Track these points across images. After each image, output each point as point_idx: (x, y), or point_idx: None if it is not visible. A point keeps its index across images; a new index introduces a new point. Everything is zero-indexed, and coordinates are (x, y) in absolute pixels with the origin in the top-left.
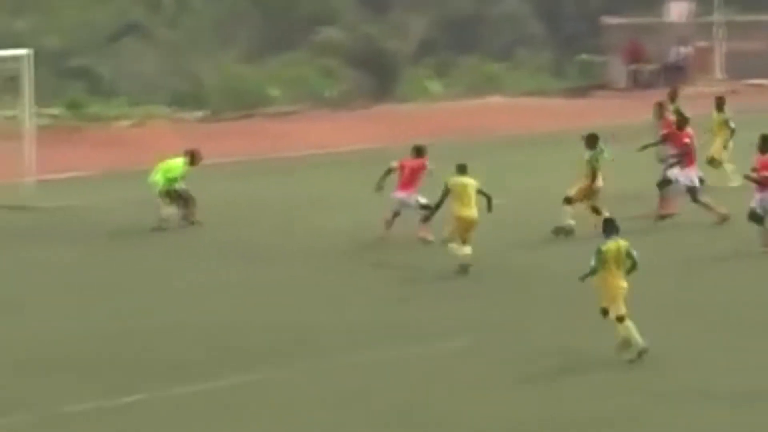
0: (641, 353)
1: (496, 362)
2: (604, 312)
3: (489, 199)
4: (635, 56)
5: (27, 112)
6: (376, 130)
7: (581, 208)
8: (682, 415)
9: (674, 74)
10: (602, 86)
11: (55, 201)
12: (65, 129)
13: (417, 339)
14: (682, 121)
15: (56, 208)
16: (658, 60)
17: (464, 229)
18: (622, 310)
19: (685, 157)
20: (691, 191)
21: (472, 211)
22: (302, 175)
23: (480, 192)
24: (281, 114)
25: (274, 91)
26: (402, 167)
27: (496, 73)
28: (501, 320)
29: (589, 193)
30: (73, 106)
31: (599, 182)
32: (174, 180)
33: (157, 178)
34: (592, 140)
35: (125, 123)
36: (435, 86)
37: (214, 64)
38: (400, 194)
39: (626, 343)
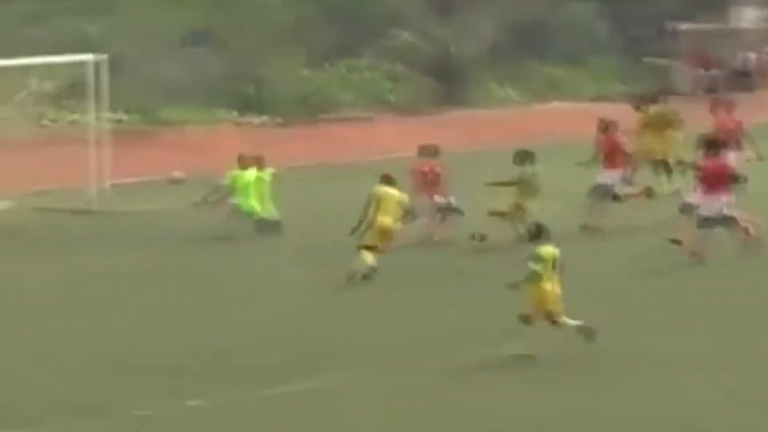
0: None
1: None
2: (526, 320)
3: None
4: (701, 62)
5: (98, 117)
6: (443, 135)
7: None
8: None
9: (740, 80)
10: (667, 91)
11: (124, 205)
12: (135, 133)
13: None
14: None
15: (126, 213)
16: (724, 66)
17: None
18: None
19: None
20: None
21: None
22: (369, 179)
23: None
24: (348, 119)
25: (342, 96)
26: (423, 171)
27: (562, 77)
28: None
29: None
30: (142, 110)
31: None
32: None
33: (252, 202)
34: (522, 156)
35: (194, 128)
36: (502, 91)
37: (282, 69)
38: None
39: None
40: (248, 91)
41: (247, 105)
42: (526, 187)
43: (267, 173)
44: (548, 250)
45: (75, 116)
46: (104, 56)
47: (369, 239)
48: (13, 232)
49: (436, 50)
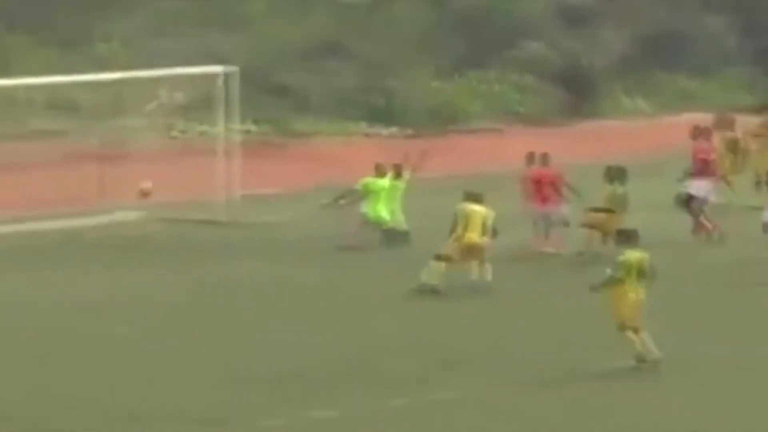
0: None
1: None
2: (622, 327)
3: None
4: None
5: (227, 128)
6: (573, 146)
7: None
8: None
9: None
10: None
11: (255, 217)
12: (266, 145)
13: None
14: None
15: (254, 224)
16: None
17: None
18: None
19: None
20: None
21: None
22: (497, 192)
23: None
24: (478, 130)
25: (471, 108)
26: (532, 180)
27: (692, 89)
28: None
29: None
30: (273, 122)
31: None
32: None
33: (382, 211)
34: (613, 174)
35: (324, 139)
36: (632, 103)
37: (412, 81)
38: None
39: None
40: (379, 102)
41: (378, 116)
42: (615, 206)
43: (403, 182)
44: (632, 256)
45: (204, 127)
46: (234, 68)
47: (449, 249)
48: (142, 242)
49: (566, 61)
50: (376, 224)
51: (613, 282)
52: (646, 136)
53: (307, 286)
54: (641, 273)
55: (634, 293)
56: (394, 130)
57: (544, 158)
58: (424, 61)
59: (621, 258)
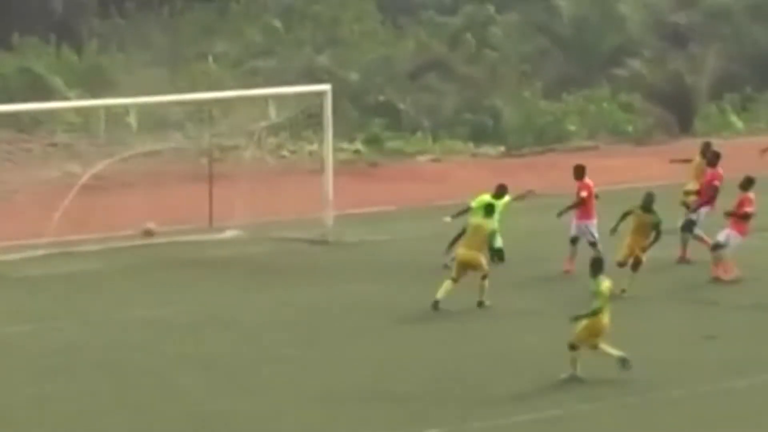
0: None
1: None
2: (573, 347)
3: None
4: None
5: (335, 148)
6: (674, 165)
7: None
8: None
9: None
10: None
11: (354, 236)
12: (365, 164)
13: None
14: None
15: (356, 243)
16: None
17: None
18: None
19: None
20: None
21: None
22: (600, 210)
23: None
24: (580, 149)
25: (578, 127)
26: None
27: None
28: None
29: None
30: (372, 141)
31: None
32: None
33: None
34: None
35: (424, 158)
36: (735, 122)
37: (513, 100)
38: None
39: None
40: (483, 121)
41: (482, 136)
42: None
43: (503, 202)
44: (605, 284)
45: (312, 147)
46: (338, 87)
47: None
48: (246, 261)
49: (670, 80)
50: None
51: (596, 313)
52: (745, 155)
53: (408, 304)
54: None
55: (606, 318)
56: (501, 149)
57: (579, 171)
58: (528, 80)
59: (601, 287)
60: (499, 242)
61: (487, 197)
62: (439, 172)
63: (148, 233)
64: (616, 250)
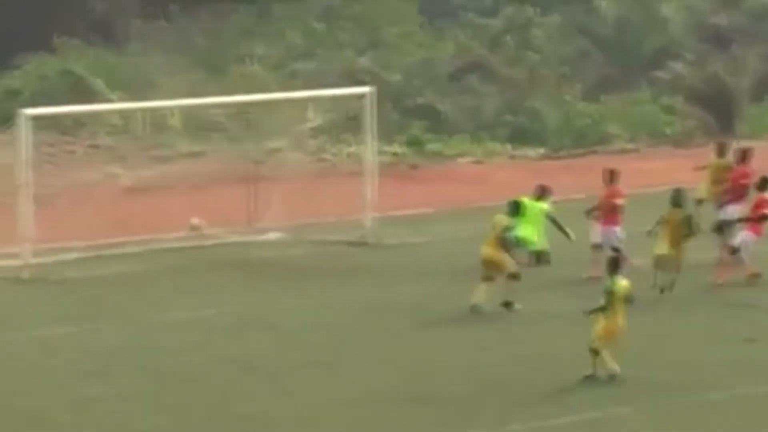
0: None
1: None
2: (595, 352)
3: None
4: None
5: (376, 150)
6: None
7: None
8: None
9: None
10: None
11: (395, 238)
12: (405, 166)
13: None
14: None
15: (396, 245)
16: None
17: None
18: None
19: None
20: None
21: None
22: (638, 212)
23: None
24: (621, 151)
25: (618, 129)
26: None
27: None
28: None
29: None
30: (413, 143)
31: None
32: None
33: (532, 233)
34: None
35: (465, 160)
36: None
37: (554, 102)
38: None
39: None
40: (523, 123)
41: (522, 138)
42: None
43: (547, 203)
44: (624, 284)
45: (353, 149)
46: (372, 89)
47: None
48: (286, 262)
49: (711, 82)
50: (526, 245)
51: (604, 310)
52: None
53: (447, 306)
54: (627, 300)
55: (622, 320)
56: (541, 151)
57: (612, 175)
58: (569, 83)
59: (615, 286)
60: (543, 244)
61: (529, 201)
62: (478, 174)
63: (195, 228)
64: (654, 247)
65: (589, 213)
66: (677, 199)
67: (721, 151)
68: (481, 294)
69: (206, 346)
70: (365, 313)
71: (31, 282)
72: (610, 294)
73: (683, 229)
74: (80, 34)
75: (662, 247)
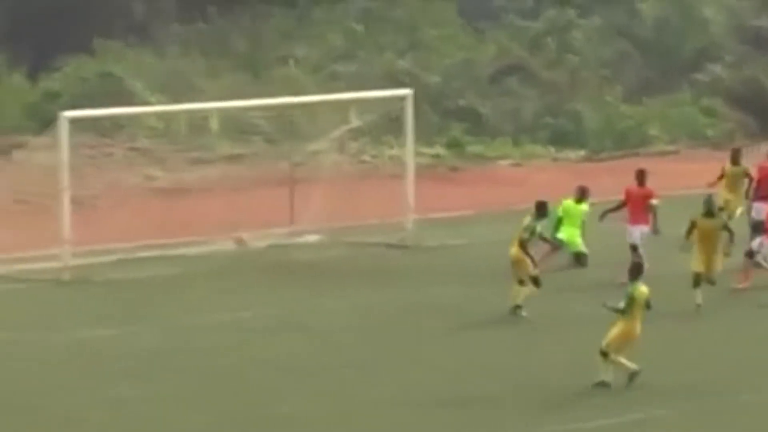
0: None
1: None
2: (605, 355)
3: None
4: None
5: (415, 152)
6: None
7: None
8: None
9: None
10: None
11: (434, 240)
12: (445, 168)
13: None
14: None
15: (436, 247)
16: None
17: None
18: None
19: None
20: None
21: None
22: (675, 215)
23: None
24: (661, 153)
25: (658, 131)
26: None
27: None
28: None
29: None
30: (453, 145)
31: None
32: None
33: (575, 234)
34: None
35: (505, 162)
36: None
37: (595, 104)
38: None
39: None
40: (564, 125)
41: (562, 140)
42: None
43: (586, 205)
44: (643, 290)
45: (393, 151)
46: (417, 91)
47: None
48: (325, 264)
49: (750, 84)
50: (569, 247)
51: (623, 313)
52: None
53: (486, 308)
54: (646, 306)
55: (639, 327)
56: (582, 153)
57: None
58: (610, 85)
59: (635, 293)
60: (581, 246)
61: (570, 202)
62: (519, 176)
63: (241, 242)
64: (692, 261)
65: (604, 215)
66: (710, 207)
67: (736, 158)
68: (520, 295)
69: (243, 348)
70: (403, 315)
71: (72, 284)
72: (630, 299)
73: (720, 238)
74: (119, 37)
75: (699, 265)
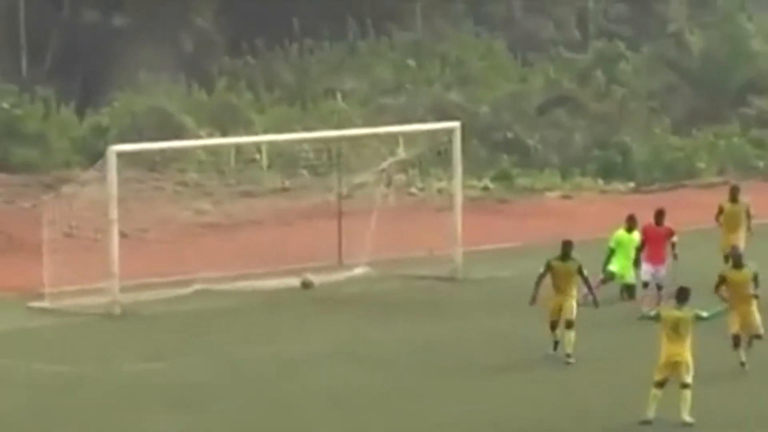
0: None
1: None
2: (659, 384)
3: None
4: None
5: (457, 185)
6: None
7: None
8: None
9: None
10: None
11: (482, 272)
12: (494, 200)
13: None
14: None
15: (484, 279)
16: None
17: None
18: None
19: None
20: None
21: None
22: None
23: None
24: (709, 185)
25: (707, 162)
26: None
27: None
28: None
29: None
30: (501, 177)
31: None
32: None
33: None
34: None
35: (554, 195)
36: None
37: (643, 136)
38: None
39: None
40: (612, 157)
41: (611, 172)
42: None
43: (637, 233)
44: (668, 312)
45: (441, 184)
46: (457, 123)
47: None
48: (374, 297)
49: None
50: (620, 279)
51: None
52: None
53: (535, 340)
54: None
55: (682, 348)
56: (631, 185)
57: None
58: (658, 117)
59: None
60: (631, 278)
61: (622, 233)
62: (568, 208)
63: (307, 285)
64: (728, 324)
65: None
66: (738, 260)
67: (734, 196)
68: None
69: (293, 379)
70: (452, 346)
71: (123, 317)
72: (657, 318)
73: (752, 288)
74: (168, 71)
75: (734, 325)
